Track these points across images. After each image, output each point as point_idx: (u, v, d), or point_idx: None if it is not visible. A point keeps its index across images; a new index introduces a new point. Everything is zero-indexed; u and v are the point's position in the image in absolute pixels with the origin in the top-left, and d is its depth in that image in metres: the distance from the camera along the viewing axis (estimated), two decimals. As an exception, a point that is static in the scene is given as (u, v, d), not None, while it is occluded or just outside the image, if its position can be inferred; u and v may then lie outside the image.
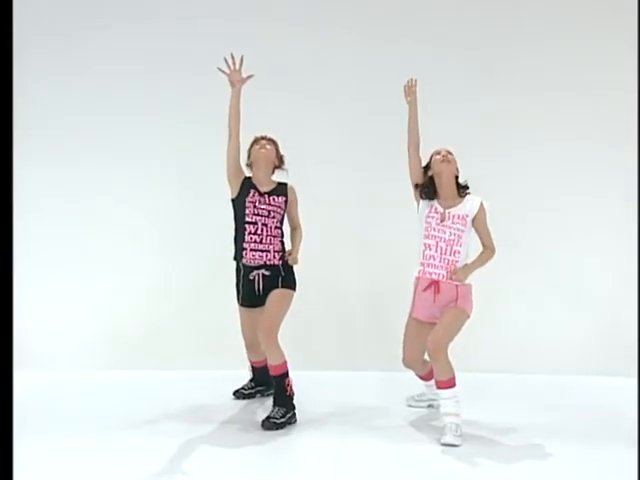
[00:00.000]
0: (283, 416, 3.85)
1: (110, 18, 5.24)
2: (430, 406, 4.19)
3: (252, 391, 4.42)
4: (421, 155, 3.96)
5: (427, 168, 3.95)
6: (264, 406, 4.20)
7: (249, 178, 4.07)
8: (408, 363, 4.02)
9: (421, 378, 4.15)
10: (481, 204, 3.89)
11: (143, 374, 4.86)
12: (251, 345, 4.23)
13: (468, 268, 3.85)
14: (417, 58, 5.10)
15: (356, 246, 5.23)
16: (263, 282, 3.99)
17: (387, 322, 4.99)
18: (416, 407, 4.23)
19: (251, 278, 4.00)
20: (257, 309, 4.04)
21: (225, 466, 3.29)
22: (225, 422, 3.95)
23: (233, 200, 4.04)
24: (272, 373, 3.94)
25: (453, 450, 3.51)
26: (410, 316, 3.97)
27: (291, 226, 4.22)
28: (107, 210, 5.22)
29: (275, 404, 3.91)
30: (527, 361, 5.03)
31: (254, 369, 4.43)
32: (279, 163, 4.13)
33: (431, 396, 4.16)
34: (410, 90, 4.01)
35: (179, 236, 5.19)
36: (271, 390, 4.14)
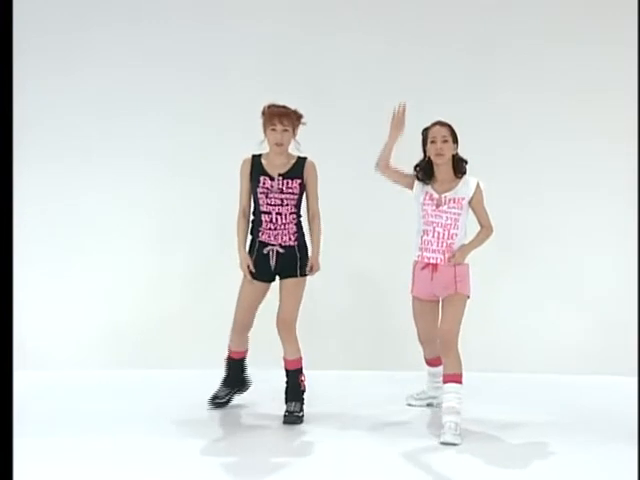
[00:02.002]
0: (301, 409, 3.90)
1: (110, 18, 5.24)
2: (429, 405, 4.20)
3: (229, 397, 4.18)
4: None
5: (425, 144, 3.90)
6: (264, 405, 4.21)
7: (257, 157, 3.94)
8: (423, 340, 4.05)
9: (428, 363, 4.15)
10: (477, 185, 3.89)
11: (144, 373, 4.86)
12: (242, 324, 4.03)
13: (466, 249, 3.87)
14: (415, 56, 5.13)
15: (353, 244, 5.22)
16: (277, 258, 3.93)
17: (387, 320, 5.00)
18: (416, 405, 4.22)
19: (265, 252, 3.93)
20: (263, 284, 3.99)
21: (226, 465, 3.29)
22: (226, 421, 3.95)
23: None
24: (288, 367, 3.96)
25: (453, 449, 3.52)
26: (412, 296, 4.00)
27: (308, 214, 4.02)
28: (106, 209, 5.22)
29: (291, 399, 3.93)
30: (527, 361, 5.03)
31: (230, 364, 4.16)
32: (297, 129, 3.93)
33: (431, 393, 4.17)
34: (400, 120, 3.83)
35: (180, 235, 5.19)
36: (247, 387, 4.14)
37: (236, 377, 4.19)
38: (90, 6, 5.24)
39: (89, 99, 5.20)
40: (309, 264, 3.99)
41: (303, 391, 3.97)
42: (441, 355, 3.83)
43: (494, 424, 3.90)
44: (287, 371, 3.98)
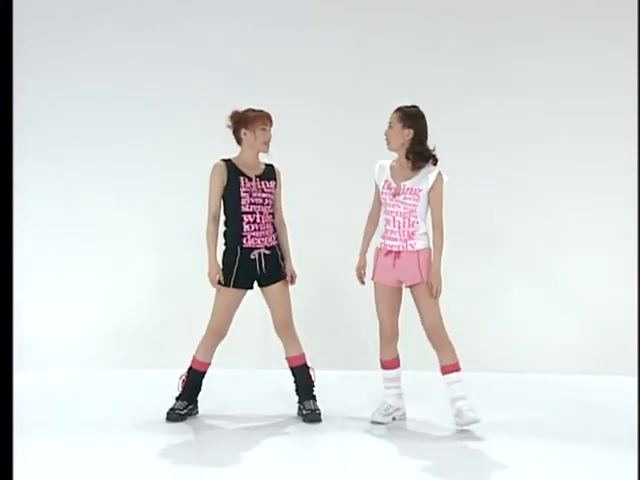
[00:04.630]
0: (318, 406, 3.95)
1: (110, 19, 5.24)
2: (394, 419, 3.94)
3: (187, 411, 3.96)
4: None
5: None
6: (262, 405, 4.20)
7: (229, 161, 3.94)
8: (388, 334, 3.89)
9: (385, 366, 3.92)
10: (438, 175, 3.77)
11: (144, 373, 4.87)
12: (217, 333, 3.95)
13: (436, 273, 3.76)
14: (412, 54, 5.16)
15: (353, 243, 5.20)
16: (265, 260, 3.91)
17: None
18: (383, 423, 3.87)
19: (252, 257, 3.90)
20: (243, 292, 3.95)
21: (225, 465, 3.29)
22: (225, 421, 3.95)
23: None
24: (296, 364, 3.98)
25: (452, 449, 3.52)
26: (375, 283, 3.91)
27: (276, 220, 4.01)
28: (107, 209, 5.22)
29: (307, 397, 3.96)
30: (527, 361, 5.03)
31: (193, 376, 3.96)
32: None
33: (393, 403, 3.93)
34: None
35: (180, 235, 5.18)
36: (197, 411, 3.99)
37: (193, 390, 3.99)
38: (90, 6, 5.24)
39: (89, 99, 5.20)
40: (288, 275, 4.00)
41: (314, 386, 4.00)
42: (434, 348, 3.80)
43: (494, 424, 3.88)
44: (294, 369, 4.00)
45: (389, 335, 3.91)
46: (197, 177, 5.12)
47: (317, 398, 4.00)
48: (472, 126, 5.09)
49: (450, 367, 3.78)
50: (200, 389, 4.01)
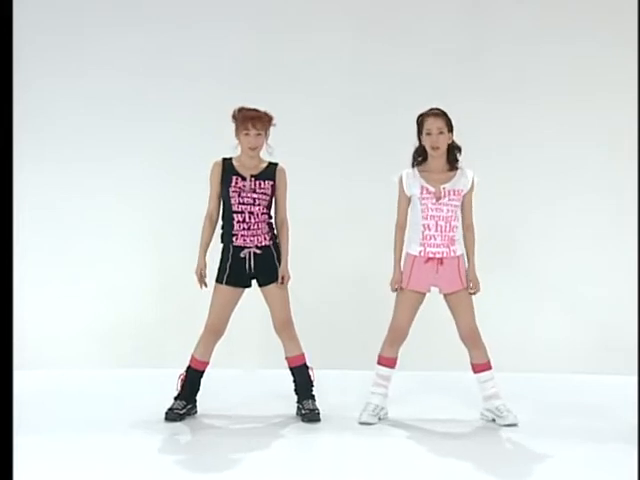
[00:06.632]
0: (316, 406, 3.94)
1: (110, 20, 5.24)
2: (380, 418, 3.96)
3: (186, 411, 3.95)
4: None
5: (420, 132, 3.87)
6: (261, 405, 4.21)
7: (228, 160, 3.96)
8: (402, 336, 3.92)
9: (387, 363, 3.95)
10: (473, 180, 3.90)
11: (144, 373, 4.86)
12: (214, 332, 3.95)
13: (473, 270, 3.89)
14: (410, 53, 5.16)
15: (351, 243, 5.21)
16: (254, 260, 3.92)
17: (387, 320, 4.99)
18: (372, 423, 3.89)
19: (242, 256, 3.90)
20: (238, 290, 3.96)
21: (225, 465, 3.29)
22: (224, 421, 3.95)
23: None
24: (295, 364, 3.98)
25: (452, 448, 3.52)
26: (403, 290, 3.89)
27: (277, 220, 4.00)
28: (106, 209, 5.22)
29: (306, 396, 3.96)
30: (527, 361, 5.03)
31: (192, 375, 3.96)
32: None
33: (380, 403, 3.95)
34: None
35: (180, 235, 5.17)
36: (195, 411, 3.99)
37: (192, 390, 3.98)
38: (88, 8, 5.24)
39: (89, 99, 5.20)
40: (280, 276, 3.95)
41: (313, 385, 3.99)
42: (470, 348, 3.89)
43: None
44: (294, 368, 3.99)
45: (401, 338, 3.94)
46: (197, 177, 5.13)
47: (316, 398, 4.00)
48: (471, 127, 5.07)
49: (483, 366, 3.89)
50: (199, 388, 4.01)
